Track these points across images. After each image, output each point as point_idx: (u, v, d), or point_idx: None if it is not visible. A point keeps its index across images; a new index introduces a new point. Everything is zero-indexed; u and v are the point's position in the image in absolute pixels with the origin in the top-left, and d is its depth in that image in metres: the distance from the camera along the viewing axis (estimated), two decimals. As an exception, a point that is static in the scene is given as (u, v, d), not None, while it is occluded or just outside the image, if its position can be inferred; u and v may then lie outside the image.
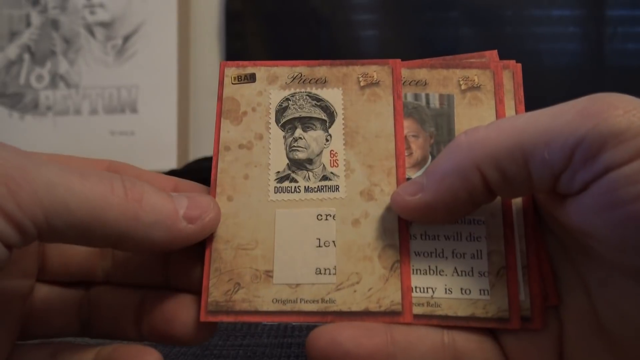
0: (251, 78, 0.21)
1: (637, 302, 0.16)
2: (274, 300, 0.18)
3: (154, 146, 0.82)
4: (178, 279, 0.19)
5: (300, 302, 0.18)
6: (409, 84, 0.20)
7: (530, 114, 0.17)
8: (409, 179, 0.19)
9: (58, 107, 0.84)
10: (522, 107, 0.20)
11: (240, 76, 0.21)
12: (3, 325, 0.18)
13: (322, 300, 0.18)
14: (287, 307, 0.18)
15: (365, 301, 0.18)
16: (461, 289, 0.18)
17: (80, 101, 0.84)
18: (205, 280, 0.18)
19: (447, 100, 0.20)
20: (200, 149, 0.82)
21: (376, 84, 0.20)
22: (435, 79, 0.20)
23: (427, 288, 0.18)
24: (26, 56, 0.85)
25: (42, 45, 0.85)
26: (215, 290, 0.18)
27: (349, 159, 0.19)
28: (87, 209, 0.15)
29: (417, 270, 0.18)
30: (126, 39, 0.83)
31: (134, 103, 0.83)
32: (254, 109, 0.20)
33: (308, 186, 0.19)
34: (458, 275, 0.18)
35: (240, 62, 0.21)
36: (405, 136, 0.20)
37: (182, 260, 0.19)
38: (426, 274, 0.18)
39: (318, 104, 0.20)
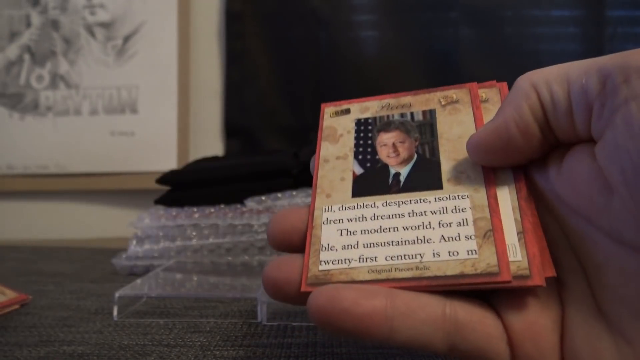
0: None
1: (634, 287, 0.17)
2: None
3: (154, 146, 0.82)
4: None
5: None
6: (396, 107, 0.25)
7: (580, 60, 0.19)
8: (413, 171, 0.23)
9: (58, 107, 0.84)
10: None
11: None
12: None
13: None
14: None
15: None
16: (449, 252, 0.19)
17: (80, 101, 0.84)
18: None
19: (429, 114, 0.24)
20: (200, 149, 0.82)
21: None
22: (418, 101, 0.25)
23: (415, 254, 0.20)
24: (26, 56, 0.85)
25: (42, 45, 0.85)
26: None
27: None
28: None
29: (405, 241, 0.20)
30: (126, 39, 0.83)
31: (134, 103, 0.83)
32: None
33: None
34: (445, 241, 0.20)
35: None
36: (393, 143, 0.24)
37: None
38: (414, 243, 0.20)
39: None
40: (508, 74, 0.25)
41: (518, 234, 0.19)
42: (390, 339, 0.17)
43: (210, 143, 0.83)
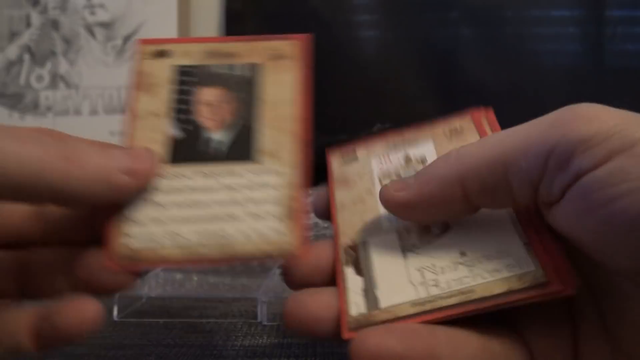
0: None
1: (638, 310, 0.17)
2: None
3: (154, 146, 0.82)
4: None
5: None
6: (221, 55, 0.23)
7: (513, 128, 0.18)
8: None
9: (58, 107, 0.84)
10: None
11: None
12: None
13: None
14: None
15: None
16: (254, 231, 0.19)
17: (80, 101, 0.84)
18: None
19: (254, 69, 0.22)
20: (200, 149, 0.82)
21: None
22: (245, 50, 0.23)
23: (218, 232, 0.19)
24: (26, 56, 0.85)
25: (42, 45, 0.85)
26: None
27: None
28: (22, 169, 0.16)
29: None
30: (126, 39, 0.83)
31: (134, 103, 0.83)
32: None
33: None
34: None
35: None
36: (215, 102, 0.22)
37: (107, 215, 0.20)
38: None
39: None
40: (508, 74, 0.25)
41: (525, 245, 0.19)
42: None
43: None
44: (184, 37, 0.83)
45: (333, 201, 0.24)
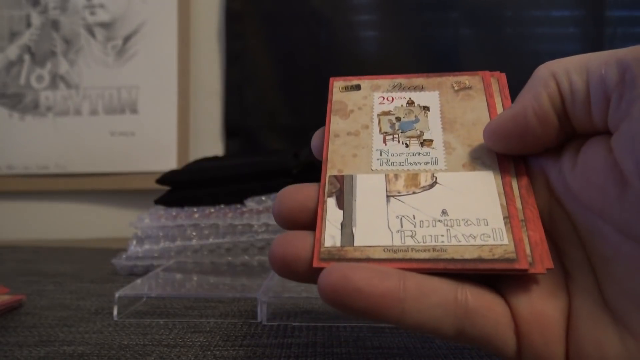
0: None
1: None
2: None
3: (154, 146, 0.82)
4: None
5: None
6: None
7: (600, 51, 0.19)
8: None
9: (58, 107, 0.84)
10: (509, 102, 0.23)
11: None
12: None
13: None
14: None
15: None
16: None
17: (80, 102, 0.84)
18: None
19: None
20: (200, 149, 0.82)
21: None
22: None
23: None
24: (26, 57, 0.85)
25: (42, 45, 0.85)
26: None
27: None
28: None
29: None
30: (126, 39, 0.83)
31: (134, 104, 0.83)
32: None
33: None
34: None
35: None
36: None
37: None
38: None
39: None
40: (508, 74, 0.25)
41: (521, 221, 0.19)
42: (400, 321, 0.17)
43: (210, 143, 0.83)
44: (185, 37, 0.83)
45: (328, 128, 0.24)
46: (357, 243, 0.20)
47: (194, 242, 0.46)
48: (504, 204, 0.20)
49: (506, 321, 0.18)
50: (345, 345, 0.27)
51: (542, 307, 0.18)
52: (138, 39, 0.83)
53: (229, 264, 0.45)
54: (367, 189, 0.21)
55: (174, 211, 0.48)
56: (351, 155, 0.23)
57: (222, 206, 0.48)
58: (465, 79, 0.25)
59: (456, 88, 0.25)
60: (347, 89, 0.26)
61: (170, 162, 0.80)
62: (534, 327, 0.18)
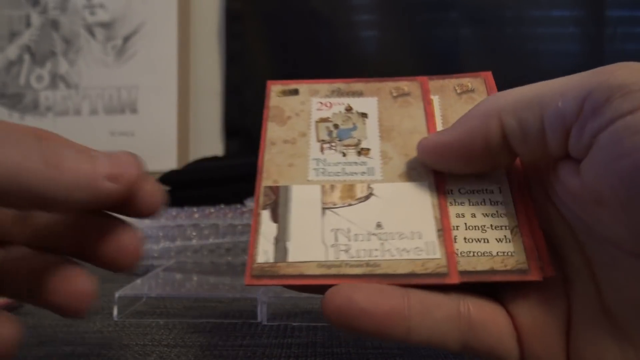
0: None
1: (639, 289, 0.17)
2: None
3: (154, 146, 0.82)
4: (87, 248, 0.19)
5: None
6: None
7: (551, 80, 0.19)
8: None
9: (58, 107, 0.84)
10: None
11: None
12: None
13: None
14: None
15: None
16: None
17: (80, 102, 0.84)
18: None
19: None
20: (200, 150, 0.82)
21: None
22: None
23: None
24: (26, 57, 0.85)
25: (42, 45, 0.85)
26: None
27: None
28: (1, 174, 0.15)
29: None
30: (126, 39, 0.83)
31: (134, 103, 0.83)
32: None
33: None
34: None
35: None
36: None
37: (95, 229, 0.19)
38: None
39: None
40: (508, 74, 0.25)
41: (514, 227, 0.19)
42: (407, 338, 0.17)
43: (210, 143, 0.83)
44: (184, 37, 0.83)
45: (264, 135, 0.23)
46: (290, 259, 0.19)
47: (194, 242, 0.46)
48: (438, 216, 0.20)
49: (509, 331, 0.18)
50: (345, 345, 0.27)
51: (542, 315, 0.18)
52: (138, 39, 0.83)
53: (229, 264, 0.45)
54: (303, 201, 0.21)
55: (174, 211, 0.48)
56: (287, 165, 0.22)
57: (222, 206, 0.48)
58: (404, 84, 0.25)
59: (395, 94, 0.24)
60: (285, 93, 0.25)
61: (170, 162, 0.80)
62: (535, 336, 0.18)
